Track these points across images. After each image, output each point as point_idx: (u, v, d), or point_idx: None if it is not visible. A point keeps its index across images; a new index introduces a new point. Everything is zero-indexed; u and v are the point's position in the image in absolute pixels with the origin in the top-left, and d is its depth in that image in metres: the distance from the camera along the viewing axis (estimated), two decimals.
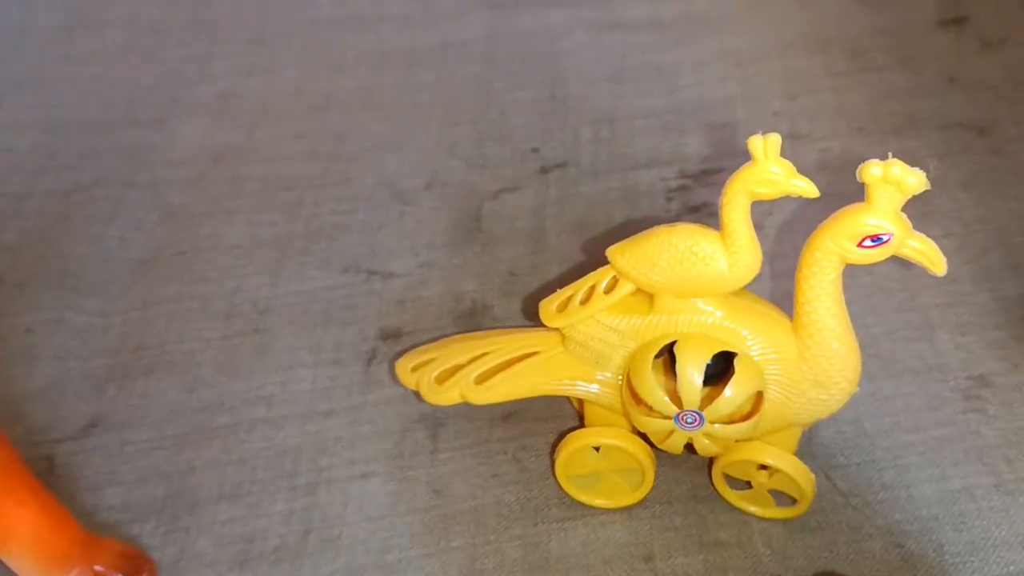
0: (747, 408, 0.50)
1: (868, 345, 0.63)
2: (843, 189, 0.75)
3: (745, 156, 0.77)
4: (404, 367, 0.58)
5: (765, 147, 0.47)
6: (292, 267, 0.71)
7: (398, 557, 0.54)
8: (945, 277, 0.66)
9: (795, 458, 0.53)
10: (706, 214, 0.73)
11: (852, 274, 0.66)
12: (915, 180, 0.43)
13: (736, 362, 0.49)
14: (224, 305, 0.68)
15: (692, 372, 0.49)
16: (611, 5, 0.95)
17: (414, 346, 0.60)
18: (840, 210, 0.47)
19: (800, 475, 0.53)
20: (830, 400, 0.50)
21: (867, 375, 0.60)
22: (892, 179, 0.43)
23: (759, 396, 0.50)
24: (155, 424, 0.61)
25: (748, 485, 0.55)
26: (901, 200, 0.44)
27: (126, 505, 0.57)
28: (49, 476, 0.58)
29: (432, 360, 0.57)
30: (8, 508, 0.47)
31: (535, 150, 0.80)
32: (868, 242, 0.46)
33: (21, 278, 0.71)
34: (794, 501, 0.54)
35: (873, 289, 0.66)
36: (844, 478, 0.56)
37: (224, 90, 0.88)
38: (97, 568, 0.51)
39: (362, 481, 0.58)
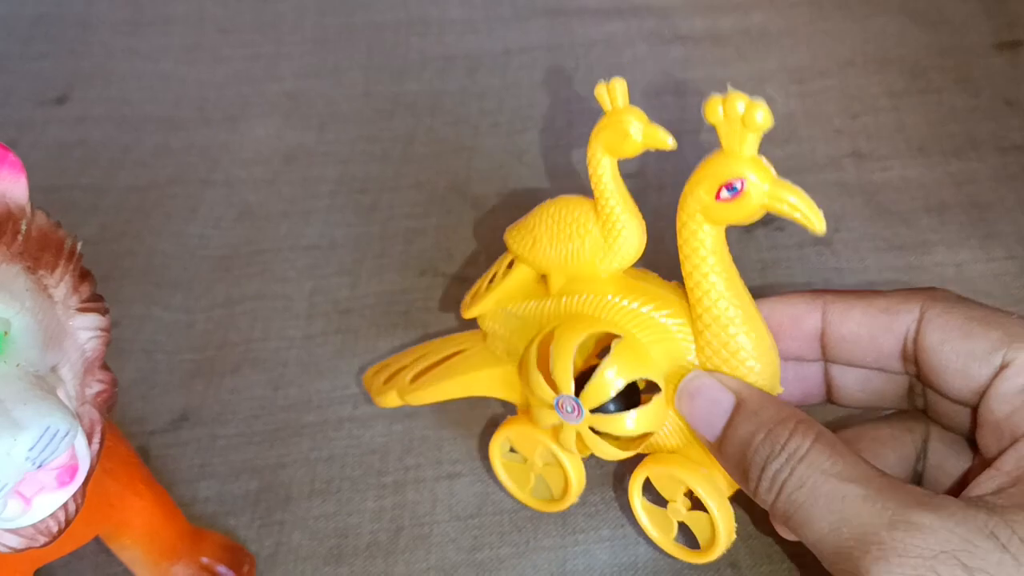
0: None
1: None
2: (906, 209, 0.77)
3: (811, 173, 0.79)
4: (370, 372, 0.61)
5: (612, 93, 0.42)
6: (370, 269, 0.72)
7: (488, 555, 0.56)
8: (1011, 297, 0.69)
9: (726, 499, 0.47)
10: (774, 228, 0.75)
11: (908, 285, 0.69)
12: (761, 114, 0.38)
13: (614, 344, 0.45)
14: (305, 305, 0.70)
15: (562, 353, 0.45)
16: (670, 17, 0.96)
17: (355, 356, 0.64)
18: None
19: (723, 520, 0.47)
20: None
21: None
22: (735, 116, 0.39)
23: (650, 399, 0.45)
24: (244, 420, 0.63)
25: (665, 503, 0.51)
26: (754, 140, 0.40)
27: (220, 498, 0.59)
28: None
29: (388, 364, 0.59)
30: (128, 501, 0.49)
31: None
32: (724, 192, 0.40)
33: (104, 272, 0.72)
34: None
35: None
36: None
37: (292, 90, 0.90)
38: (203, 560, 0.53)
39: (449, 481, 0.59)
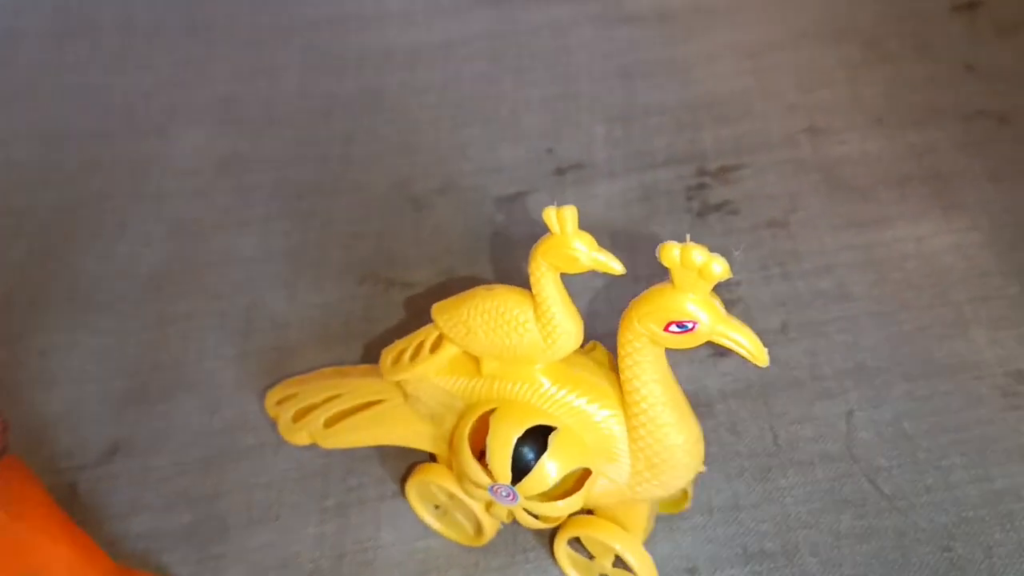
0: (570, 484, 0.47)
1: (902, 343, 0.62)
2: (865, 183, 0.74)
3: (765, 151, 0.76)
4: (272, 399, 0.58)
5: (560, 219, 0.42)
6: (309, 279, 0.69)
7: None
8: (976, 270, 0.66)
9: (644, 552, 0.49)
10: (727, 212, 0.72)
11: (882, 269, 0.67)
12: (719, 268, 0.38)
13: (552, 437, 0.45)
14: (241, 321, 0.67)
15: (500, 445, 0.46)
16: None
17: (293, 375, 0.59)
18: (649, 289, 0.42)
19: (644, 571, 0.49)
20: (668, 483, 0.46)
21: (903, 374, 0.60)
22: (692, 266, 0.39)
23: (585, 473, 0.47)
24: (178, 448, 0.60)
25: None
26: (707, 285, 0.39)
27: (154, 533, 0.56)
28: (73, 505, 0.57)
29: (295, 395, 0.56)
30: (43, 545, 0.46)
31: (550, 151, 0.78)
32: (674, 327, 0.41)
33: (31, 297, 0.69)
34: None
35: (903, 286, 0.65)
36: (887, 481, 0.55)
37: (225, 95, 0.86)
38: None
39: (394, 501, 0.56)
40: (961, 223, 0.69)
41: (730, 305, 0.65)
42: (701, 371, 0.62)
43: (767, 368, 0.60)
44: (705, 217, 0.72)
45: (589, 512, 0.51)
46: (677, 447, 0.45)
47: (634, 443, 0.46)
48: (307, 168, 0.78)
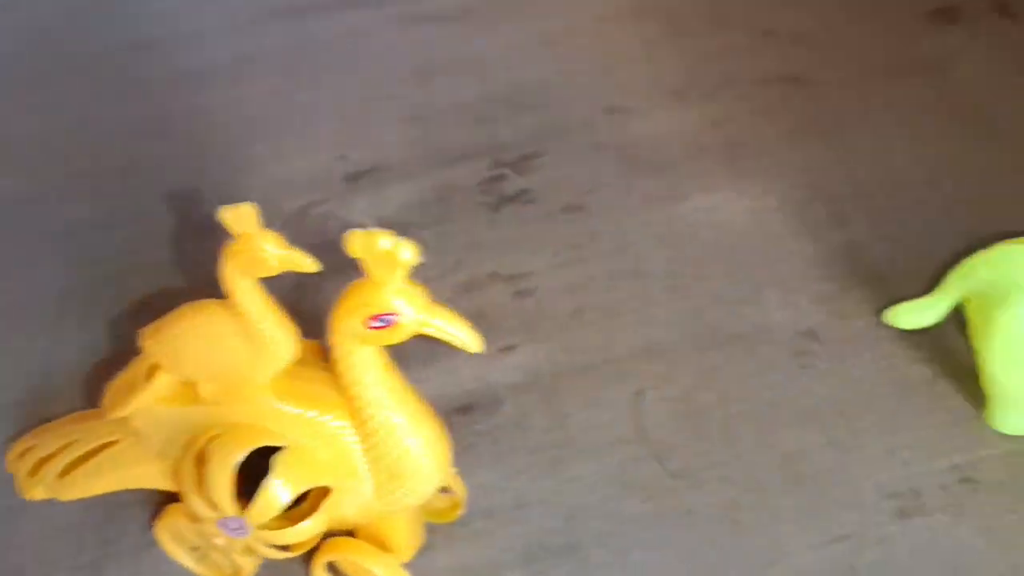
0: (307, 507, 0.44)
1: (696, 316, 0.60)
2: (662, 159, 0.72)
3: (564, 137, 0.74)
4: (15, 451, 0.53)
5: (238, 220, 0.39)
6: (74, 321, 0.64)
7: None
8: (770, 234, 0.64)
9: (400, 571, 0.45)
10: (524, 201, 0.69)
11: (678, 243, 0.65)
12: (408, 253, 0.36)
13: (276, 459, 0.42)
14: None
15: (219, 473, 0.42)
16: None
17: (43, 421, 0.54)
18: (348, 285, 0.39)
19: None
20: (415, 491, 0.43)
21: (696, 346, 0.58)
22: (380, 253, 0.36)
23: (323, 492, 0.43)
24: None
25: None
26: (401, 273, 0.37)
27: None
28: None
29: (33, 447, 0.52)
30: None
31: (342, 158, 0.75)
32: (375, 322, 0.38)
33: None
34: None
35: (698, 258, 0.63)
36: (676, 458, 0.53)
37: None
38: None
39: (158, 549, 0.51)
40: (755, 189, 0.67)
41: (523, 296, 0.62)
42: (487, 367, 0.58)
43: (558, 355, 0.58)
44: (500, 209, 0.69)
45: (349, 533, 0.47)
46: (415, 452, 0.42)
47: (370, 452, 0.42)
48: (82, 205, 0.73)
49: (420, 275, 0.63)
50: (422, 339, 0.60)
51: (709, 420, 0.54)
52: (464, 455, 0.54)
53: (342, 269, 0.39)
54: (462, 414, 0.57)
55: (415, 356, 0.60)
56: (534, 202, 0.69)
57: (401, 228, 0.67)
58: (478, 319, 0.61)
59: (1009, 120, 0.69)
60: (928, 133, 0.69)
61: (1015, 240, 0.48)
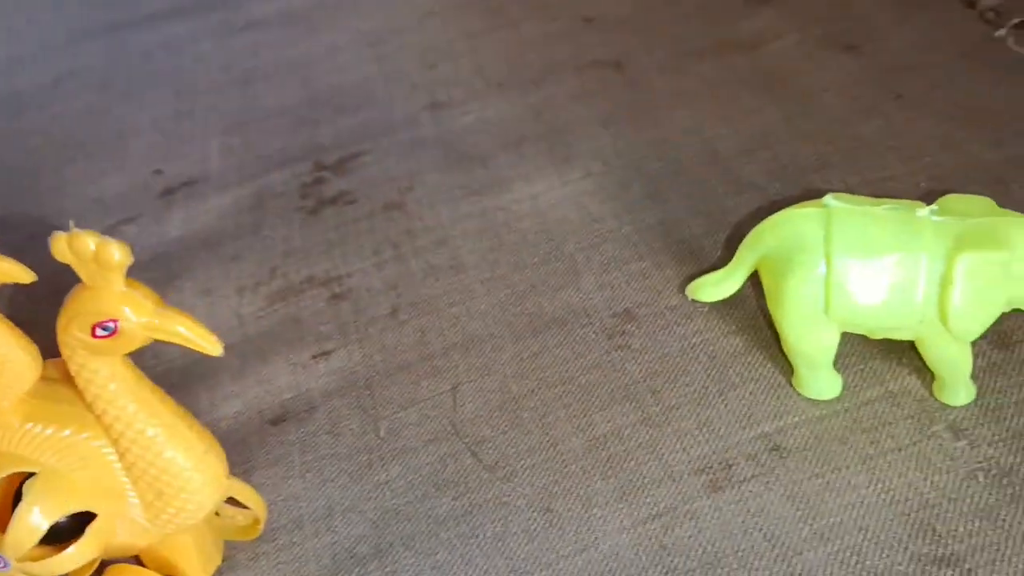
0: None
1: (514, 305, 0.59)
2: (484, 151, 0.71)
3: (387, 135, 0.72)
4: None
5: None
6: None
7: None
8: (587, 217, 0.64)
9: None
10: (344, 203, 0.67)
11: (497, 233, 0.64)
12: (118, 253, 0.34)
13: (27, 485, 0.40)
14: None
15: None
16: (241, 5, 0.88)
17: None
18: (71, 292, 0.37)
19: None
20: (187, 509, 0.40)
21: (513, 335, 0.57)
22: (88, 256, 0.34)
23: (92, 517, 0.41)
24: None
25: None
26: (116, 276, 0.35)
27: None
28: None
29: None
30: None
31: (158, 172, 0.72)
32: (99, 331, 0.36)
33: None
34: None
35: (518, 246, 0.62)
36: (490, 451, 0.51)
37: None
38: None
39: None
40: (575, 174, 0.67)
41: (340, 298, 0.60)
42: (302, 376, 0.56)
43: (374, 356, 0.57)
44: (319, 212, 0.67)
45: (136, 560, 0.44)
46: (178, 467, 0.40)
47: (130, 471, 0.40)
48: None
49: (234, 285, 0.60)
50: (233, 351, 0.58)
51: (524, 409, 0.53)
52: (274, 467, 0.52)
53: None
54: (274, 425, 0.54)
55: (226, 369, 0.58)
56: (354, 203, 0.67)
57: (217, 239, 0.66)
58: (293, 326, 0.60)
59: (817, 90, 0.70)
60: (742, 108, 0.69)
61: (800, 204, 0.48)
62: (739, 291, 0.51)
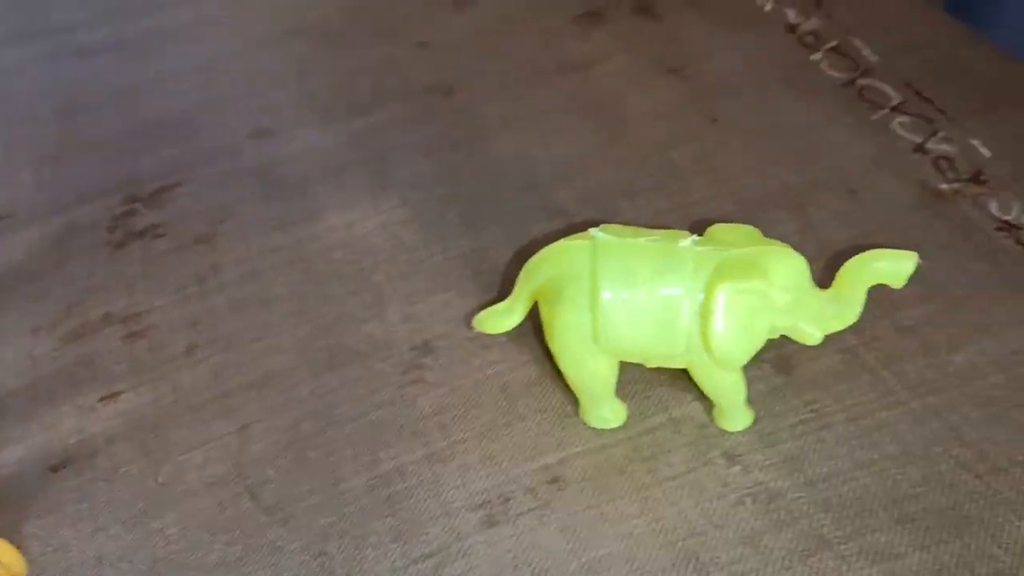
0: None
1: (316, 340, 0.58)
2: (303, 180, 0.70)
3: (206, 165, 0.70)
4: None
5: None
6: None
7: None
8: (401, 247, 0.63)
9: None
10: (152, 237, 0.65)
11: (308, 265, 0.62)
12: None
13: None
14: None
15: None
16: (72, 32, 0.86)
17: None
18: None
19: None
20: None
21: (312, 371, 0.56)
22: None
23: None
24: None
25: None
26: None
27: None
28: None
29: None
30: None
31: None
32: None
33: None
34: None
35: (327, 278, 0.61)
36: (272, 492, 0.50)
37: None
38: None
39: None
40: (391, 202, 0.66)
41: (135, 338, 0.59)
42: (89, 419, 0.54)
43: (166, 397, 0.55)
44: (126, 246, 0.65)
45: None
46: None
47: None
48: None
49: (30, 325, 0.58)
50: (22, 395, 0.56)
51: (311, 448, 0.52)
52: (49, 516, 0.50)
53: None
54: (54, 472, 0.52)
55: (12, 413, 0.56)
56: (163, 236, 0.65)
57: (19, 276, 0.63)
58: (85, 367, 0.58)
59: (638, 114, 0.70)
60: (563, 133, 0.69)
61: (571, 236, 0.48)
62: (522, 323, 0.51)
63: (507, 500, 0.48)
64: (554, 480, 0.49)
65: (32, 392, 0.57)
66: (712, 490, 0.47)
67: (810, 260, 0.47)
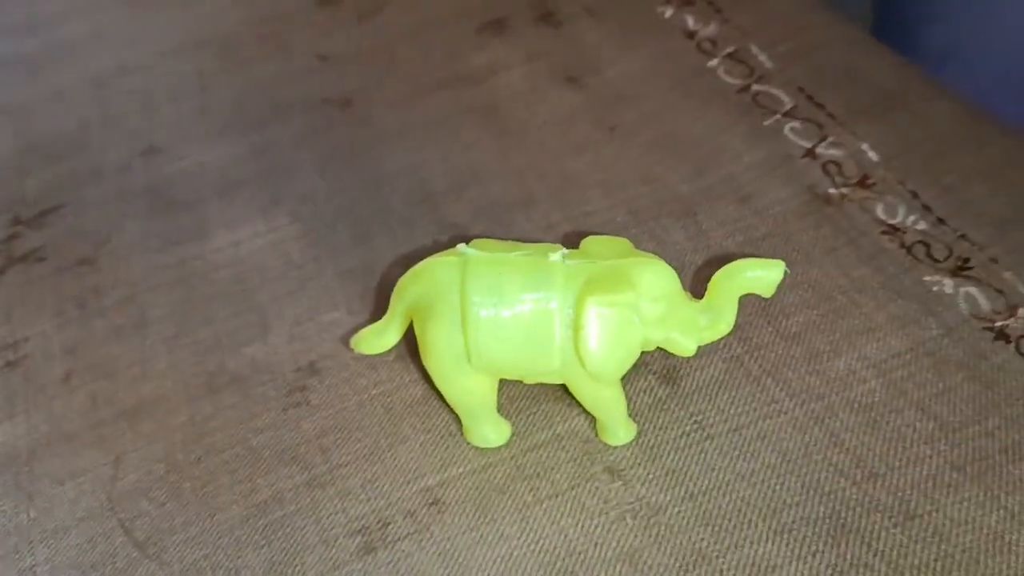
0: None
1: (195, 364, 0.56)
2: (194, 198, 0.68)
3: (94, 185, 0.68)
4: None
5: None
6: None
7: None
8: (289, 264, 0.62)
9: None
10: (34, 260, 0.63)
11: (191, 286, 0.60)
12: None
13: None
14: None
15: None
16: None
17: None
18: None
19: None
20: None
21: (189, 397, 0.54)
22: None
23: None
24: None
25: None
26: None
27: None
28: None
29: None
30: None
31: None
32: None
33: None
34: None
35: (211, 299, 0.59)
36: (145, 525, 0.48)
37: None
38: None
39: None
40: (281, 219, 0.65)
41: (13, 366, 0.57)
42: None
43: (40, 427, 0.53)
44: (6, 272, 0.63)
45: None
46: None
47: None
48: None
49: None
50: None
51: (188, 479, 0.50)
52: None
53: None
54: None
55: None
56: (45, 260, 0.63)
57: None
58: None
59: (536, 124, 0.69)
60: (460, 144, 0.69)
61: (441, 253, 0.47)
62: (400, 342, 0.50)
63: (386, 525, 0.47)
64: (435, 502, 0.48)
65: None
66: (593, 507, 0.47)
67: (699, 268, 0.47)
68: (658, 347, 0.47)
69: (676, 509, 0.46)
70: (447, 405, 0.51)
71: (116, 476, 0.51)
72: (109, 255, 0.63)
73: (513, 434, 0.50)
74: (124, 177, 0.69)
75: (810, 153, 0.64)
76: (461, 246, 0.46)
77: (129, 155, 0.71)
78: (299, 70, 0.78)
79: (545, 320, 0.44)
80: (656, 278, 0.45)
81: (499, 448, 0.50)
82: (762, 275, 0.45)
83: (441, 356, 0.46)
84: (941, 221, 0.58)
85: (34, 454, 0.52)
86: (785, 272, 0.45)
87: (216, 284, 0.60)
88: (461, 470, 0.49)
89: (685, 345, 0.46)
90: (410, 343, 0.51)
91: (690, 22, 0.77)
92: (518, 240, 0.53)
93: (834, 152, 0.64)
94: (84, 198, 0.68)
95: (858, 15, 0.81)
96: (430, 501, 0.48)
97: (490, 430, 0.49)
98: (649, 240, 0.59)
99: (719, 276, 0.46)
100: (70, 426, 0.53)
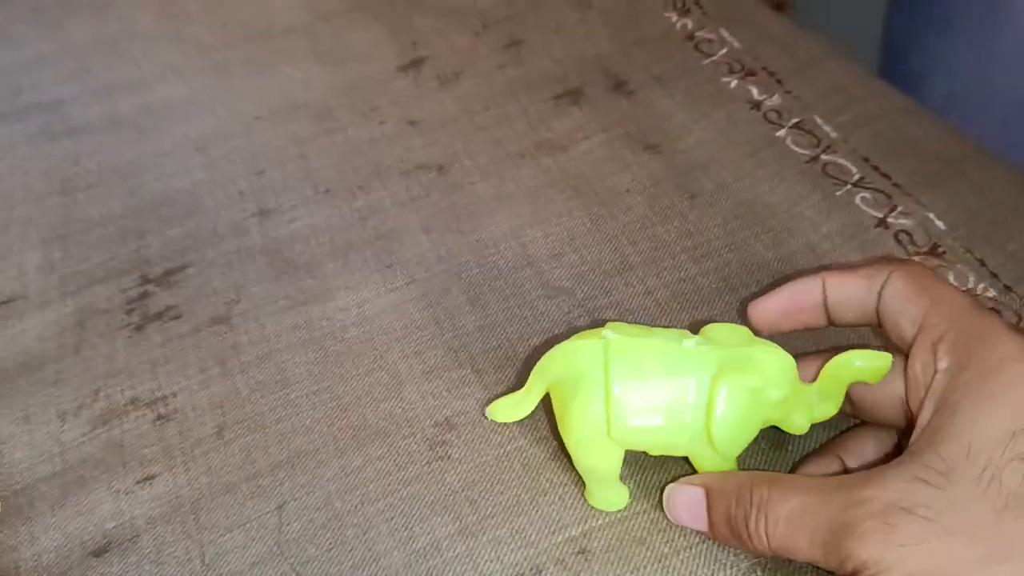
0: None
1: (338, 419, 0.61)
2: (310, 259, 0.73)
3: (212, 246, 0.73)
4: None
5: None
6: None
7: None
8: (411, 324, 0.67)
9: None
10: (169, 318, 0.68)
11: (323, 345, 0.66)
12: None
13: None
14: None
15: None
16: (62, 110, 0.88)
17: None
18: None
19: None
20: None
21: (337, 450, 0.58)
22: None
23: None
24: None
25: None
26: None
27: None
28: None
29: None
30: None
31: None
32: None
33: None
34: None
35: (343, 358, 0.64)
36: (316, 570, 0.53)
37: None
38: None
39: None
40: (399, 280, 0.70)
41: (164, 421, 0.61)
42: (126, 502, 0.57)
43: (200, 479, 0.57)
44: (144, 329, 0.67)
45: None
46: None
47: None
48: None
49: (55, 410, 0.60)
50: (53, 481, 0.58)
51: (348, 526, 0.55)
52: None
53: None
54: (96, 557, 0.55)
55: (45, 499, 0.58)
56: (179, 318, 0.68)
57: (36, 361, 0.65)
58: (116, 451, 0.61)
59: (620, 191, 0.75)
60: (553, 210, 0.74)
61: (584, 334, 0.53)
62: (533, 412, 0.55)
63: (540, 572, 0.52)
64: (581, 551, 0.53)
65: (64, 478, 0.59)
66: (724, 559, 0.52)
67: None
68: (770, 425, 0.53)
69: (797, 564, 0.52)
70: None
71: (281, 524, 0.55)
72: (240, 314, 0.68)
73: (633, 496, 0.55)
74: (241, 237, 0.74)
75: (882, 223, 0.70)
76: (606, 330, 0.52)
77: (242, 216, 0.76)
78: (391, 135, 0.83)
79: (680, 400, 0.50)
80: (780, 366, 0.51)
81: (630, 505, 0.55)
82: (871, 365, 0.51)
83: (582, 429, 0.52)
84: (1008, 288, 0.64)
85: (198, 504, 0.57)
86: (892, 362, 0.51)
87: (346, 342, 0.65)
88: (601, 522, 0.54)
89: (800, 425, 0.52)
90: (541, 408, 0.57)
91: (754, 92, 0.84)
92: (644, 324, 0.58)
93: (904, 222, 0.70)
94: (206, 258, 0.72)
95: (863, 63, 0.88)
96: (577, 550, 0.53)
97: (614, 494, 0.55)
98: (744, 307, 0.65)
99: (831, 365, 0.51)
100: (229, 477, 0.58)
